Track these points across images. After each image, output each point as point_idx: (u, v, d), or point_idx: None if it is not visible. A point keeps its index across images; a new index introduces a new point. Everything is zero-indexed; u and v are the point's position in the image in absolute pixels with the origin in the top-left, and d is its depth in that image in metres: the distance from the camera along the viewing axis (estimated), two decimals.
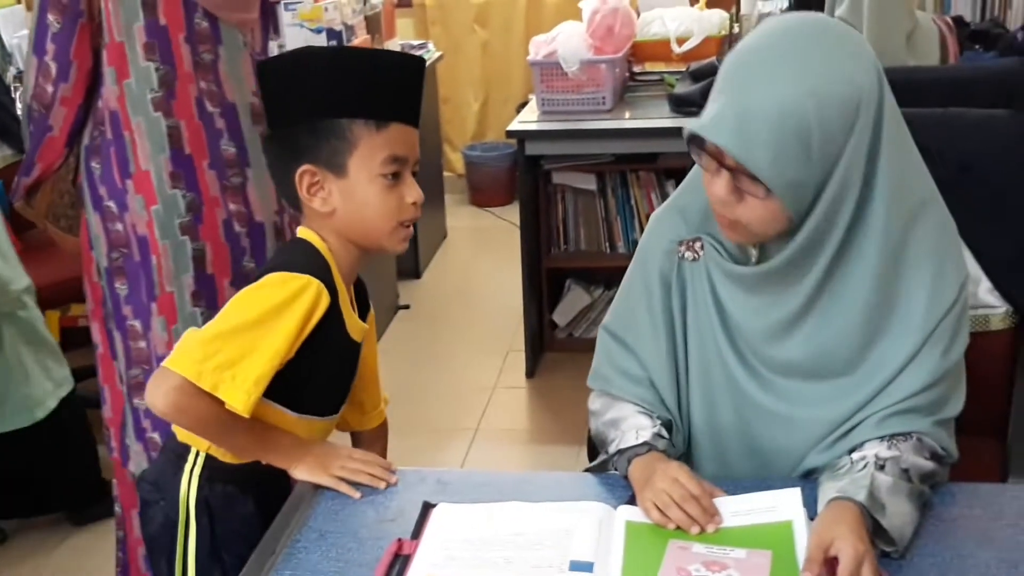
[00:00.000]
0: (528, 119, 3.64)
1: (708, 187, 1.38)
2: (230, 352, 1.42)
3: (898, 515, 1.30)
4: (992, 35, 3.62)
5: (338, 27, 3.94)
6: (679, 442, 1.54)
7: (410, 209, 1.52)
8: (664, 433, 1.50)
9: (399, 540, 1.38)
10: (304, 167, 1.50)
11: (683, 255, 1.52)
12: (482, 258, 5.02)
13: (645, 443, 1.45)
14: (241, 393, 1.41)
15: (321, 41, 3.86)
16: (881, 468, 1.34)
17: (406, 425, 3.24)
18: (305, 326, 1.46)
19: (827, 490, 1.34)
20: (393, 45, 4.65)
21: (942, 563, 1.28)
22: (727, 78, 1.33)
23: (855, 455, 1.39)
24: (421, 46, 4.93)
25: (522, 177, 3.67)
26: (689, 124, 1.34)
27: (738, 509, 1.37)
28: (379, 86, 1.48)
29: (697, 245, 1.50)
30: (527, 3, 5.63)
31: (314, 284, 1.47)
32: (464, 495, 1.50)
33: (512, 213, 4.61)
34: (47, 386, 2.84)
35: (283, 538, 1.41)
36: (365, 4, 4.34)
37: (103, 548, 2.73)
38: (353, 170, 1.49)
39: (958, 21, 3.65)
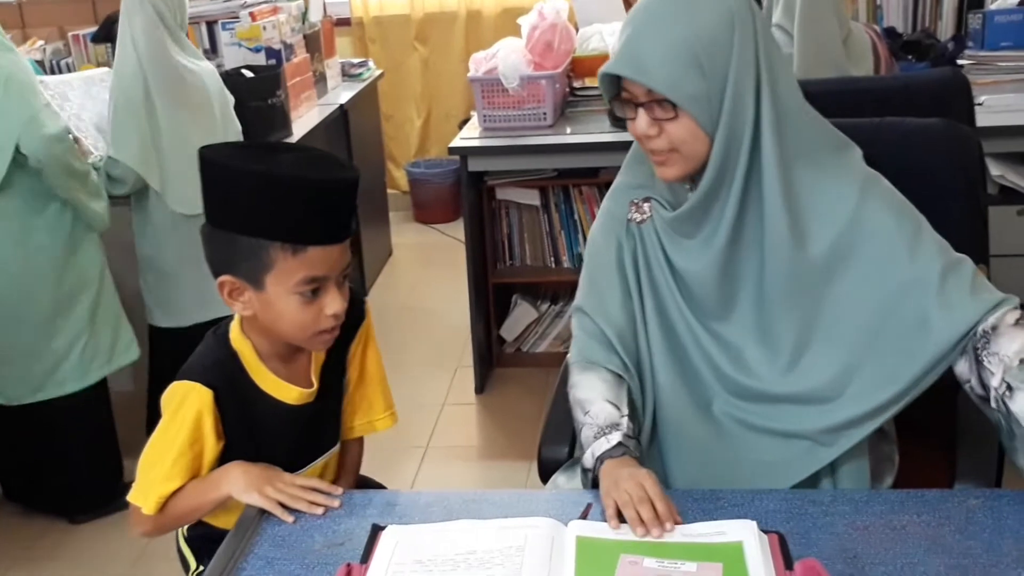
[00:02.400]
0: (470, 135, 3.63)
1: (633, 131, 1.54)
2: (143, 468, 1.58)
3: None
4: (924, 46, 3.68)
5: (276, 46, 3.91)
6: (647, 409, 1.61)
7: (328, 320, 1.53)
8: (632, 429, 1.53)
9: (348, 565, 1.35)
10: (223, 278, 1.52)
11: (632, 217, 1.64)
12: (428, 275, 4.99)
13: (619, 444, 1.49)
14: (144, 496, 1.56)
15: (260, 60, 3.83)
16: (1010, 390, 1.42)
17: None
18: (196, 426, 1.54)
19: None
20: (333, 64, 4.63)
21: (892, 571, 1.29)
22: (623, 30, 1.52)
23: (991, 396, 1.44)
24: (361, 64, 4.91)
25: (466, 193, 3.65)
26: (600, 71, 1.53)
27: (690, 532, 1.37)
28: (299, 211, 1.44)
29: (646, 205, 1.63)
30: (466, 20, 5.63)
31: (190, 391, 1.54)
32: (413, 516, 1.48)
33: (457, 229, 4.60)
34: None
35: (228, 566, 1.39)
36: (304, 23, 4.32)
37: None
38: (270, 286, 1.49)
39: (891, 32, 3.71)
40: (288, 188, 1.45)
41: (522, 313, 3.89)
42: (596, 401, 1.56)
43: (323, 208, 1.46)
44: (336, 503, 1.51)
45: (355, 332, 1.71)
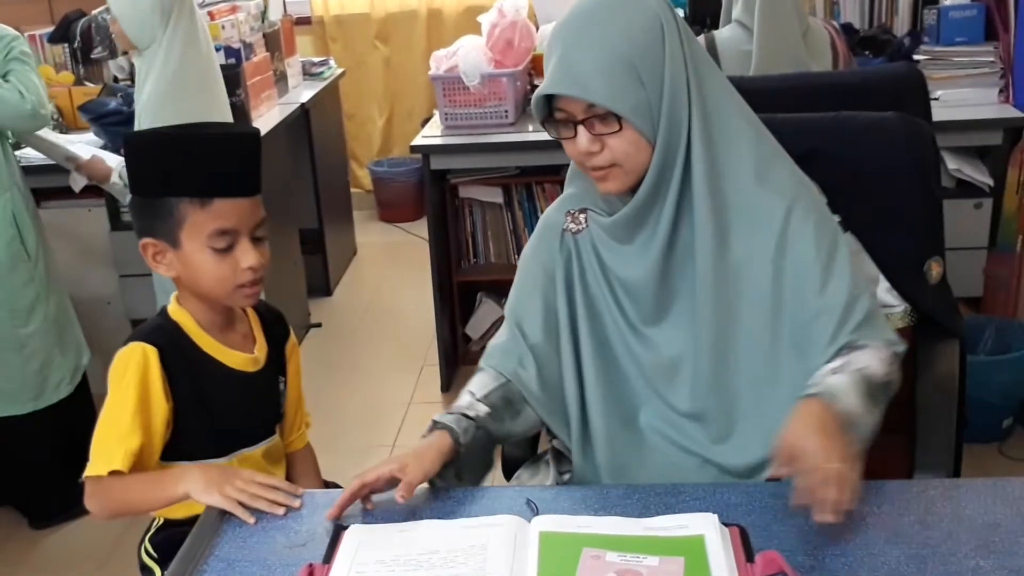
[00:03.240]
0: (432, 134, 3.63)
1: (572, 152, 1.51)
2: (99, 436, 1.59)
3: (852, 407, 1.39)
4: (880, 41, 3.72)
5: (236, 45, 3.88)
6: (573, 416, 1.60)
7: (246, 273, 1.60)
8: (476, 409, 1.55)
9: (310, 565, 1.35)
10: (144, 241, 1.62)
11: (568, 227, 1.62)
12: (393, 274, 4.98)
13: (433, 422, 1.52)
14: (107, 459, 1.56)
15: (219, 59, 3.79)
16: (833, 373, 1.44)
17: (322, 444, 3.17)
18: (143, 383, 1.58)
19: None
20: (293, 63, 4.60)
21: (853, 562, 1.29)
22: (553, 43, 1.49)
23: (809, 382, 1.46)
24: (322, 63, 4.89)
25: (429, 192, 3.65)
26: (534, 94, 1.50)
27: (652, 525, 1.38)
28: (201, 165, 1.56)
29: (582, 216, 1.61)
30: (427, 18, 5.62)
31: (135, 349, 1.60)
32: (375, 514, 1.47)
33: (422, 228, 4.59)
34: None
35: (189, 568, 1.37)
36: (263, 22, 4.29)
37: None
38: (185, 242, 1.59)
39: (847, 28, 3.74)
40: (189, 144, 1.59)
41: (487, 311, 3.89)
42: (461, 395, 1.60)
43: (225, 161, 1.57)
44: (297, 503, 1.50)
45: (285, 339, 1.81)
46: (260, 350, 1.73)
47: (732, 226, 1.52)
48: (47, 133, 3.10)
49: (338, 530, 1.42)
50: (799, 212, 1.52)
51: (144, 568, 1.78)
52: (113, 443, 1.57)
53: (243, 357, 1.69)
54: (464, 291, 3.89)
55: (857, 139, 1.94)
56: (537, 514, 1.42)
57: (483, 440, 1.56)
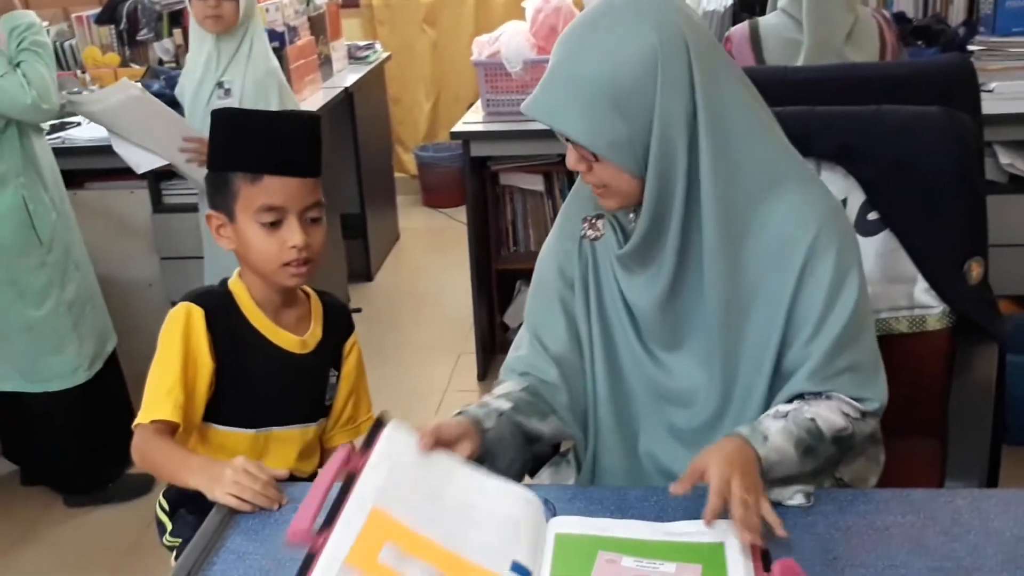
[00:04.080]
0: (473, 120, 3.60)
1: (567, 160, 1.45)
2: (149, 389, 1.65)
3: (776, 451, 1.35)
4: (934, 31, 3.63)
5: (280, 28, 3.88)
6: (557, 405, 1.56)
7: (291, 252, 1.63)
8: (497, 404, 1.51)
9: (351, 447, 1.34)
10: (209, 212, 1.70)
11: (585, 233, 1.56)
12: (435, 260, 4.97)
13: (458, 412, 1.48)
14: (156, 408, 1.61)
15: None
16: (781, 417, 1.40)
17: None
18: (189, 340, 1.65)
19: None
20: (339, 46, 4.60)
21: (874, 573, 1.25)
22: (553, 53, 1.42)
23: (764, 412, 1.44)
24: (368, 46, 4.88)
25: (469, 179, 3.62)
26: (521, 107, 1.44)
27: (671, 531, 1.34)
28: (257, 142, 1.63)
29: (600, 223, 1.55)
30: (475, 2, 5.59)
31: (182, 308, 1.67)
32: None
33: (465, 214, 4.58)
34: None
35: (198, 561, 1.36)
36: (308, 5, 4.29)
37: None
38: (239, 216, 1.65)
39: (900, 17, 3.65)
40: (250, 120, 1.71)
41: (525, 300, 3.86)
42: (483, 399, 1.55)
43: (279, 140, 1.63)
44: (275, 506, 1.48)
45: (346, 336, 1.82)
46: (312, 336, 1.74)
47: (746, 256, 1.44)
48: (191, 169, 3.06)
49: (379, 425, 1.39)
50: (819, 249, 1.43)
51: (159, 523, 1.82)
52: (162, 395, 1.62)
53: (290, 338, 1.72)
54: (503, 279, 3.87)
55: (897, 133, 1.88)
56: (555, 515, 1.39)
57: (510, 429, 1.52)
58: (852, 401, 1.45)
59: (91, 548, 2.93)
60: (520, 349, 1.62)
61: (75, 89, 3.58)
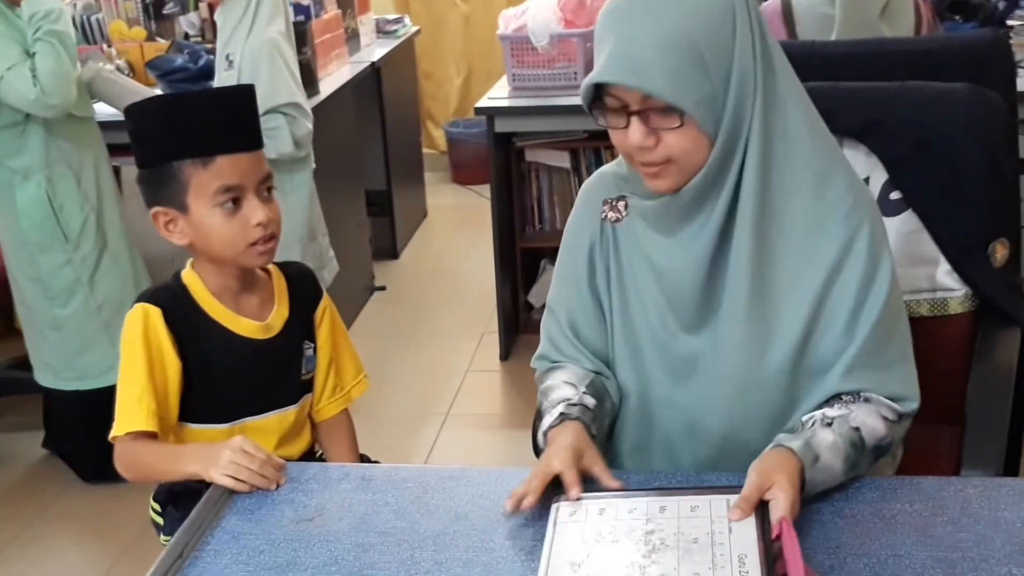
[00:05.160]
0: (498, 95, 3.56)
1: (622, 144, 1.37)
2: (120, 399, 1.61)
3: (824, 471, 1.31)
4: (972, 5, 3.53)
5: (306, 2, 3.86)
6: (614, 395, 1.52)
7: (256, 230, 1.58)
8: (587, 402, 1.46)
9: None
10: (155, 210, 1.62)
11: (606, 216, 1.50)
12: (462, 237, 4.94)
13: (560, 414, 1.43)
14: (129, 420, 1.58)
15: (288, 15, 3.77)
16: (828, 425, 1.34)
17: (375, 409, 3.23)
18: (150, 343, 1.59)
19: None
20: (367, 20, 4.57)
21: (875, 563, 1.21)
22: (607, 26, 1.34)
23: (804, 417, 1.39)
24: (397, 20, 4.85)
25: (493, 155, 3.58)
26: (584, 81, 1.34)
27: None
28: (198, 125, 1.56)
29: (620, 204, 1.49)
30: None
31: (138, 310, 1.61)
32: (388, 491, 1.44)
33: None
34: None
35: (192, 541, 1.35)
36: None
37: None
38: (193, 206, 1.58)
39: None
40: (183, 105, 1.63)
41: (551, 279, 3.81)
42: (557, 387, 1.49)
43: (220, 118, 1.58)
44: (272, 486, 1.47)
45: (316, 304, 1.76)
46: (277, 316, 1.69)
47: (778, 242, 1.39)
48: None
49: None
50: (855, 242, 1.38)
51: (155, 524, 1.80)
52: (133, 405, 1.57)
53: (252, 324, 1.66)
54: (528, 257, 3.83)
55: (922, 111, 1.83)
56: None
57: (601, 431, 1.49)
58: (890, 403, 1.40)
59: (107, 524, 2.93)
60: (554, 339, 1.57)
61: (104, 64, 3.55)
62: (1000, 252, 1.80)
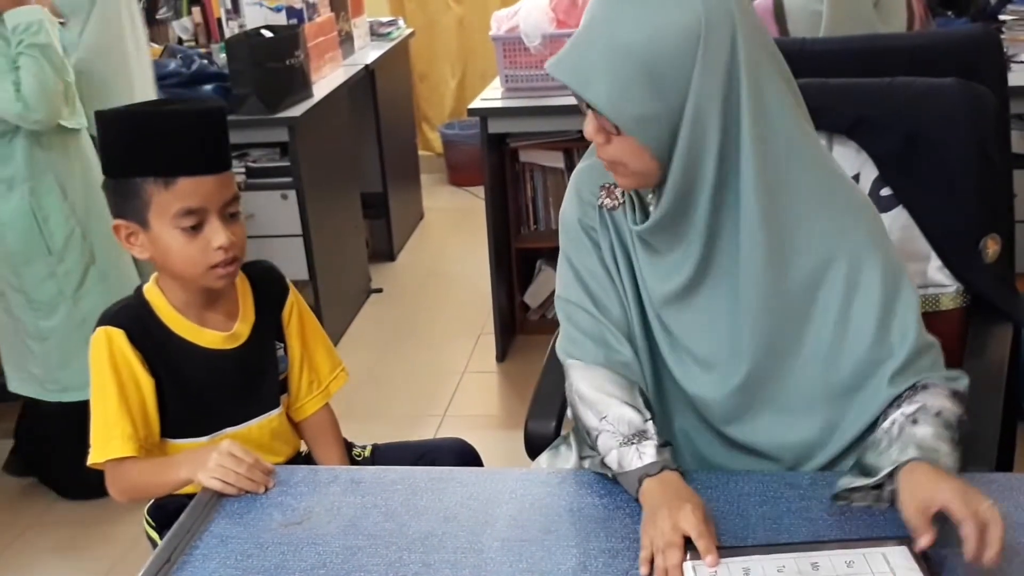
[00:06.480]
0: (491, 96, 3.56)
1: (584, 130, 1.37)
2: (94, 425, 1.60)
3: (945, 461, 1.26)
4: (964, 1, 3.53)
5: (298, 5, 3.85)
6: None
7: (217, 254, 1.55)
8: (660, 434, 1.39)
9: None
10: (116, 222, 1.58)
11: (603, 202, 1.48)
12: (458, 239, 4.93)
13: (661, 466, 1.34)
14: (104, 447, 1.58)
15: (280, 20, 3.78)
16: (915, 423, 1.30)
17: (371, 411, 3.23)
18: (118, 366, 1.57)
19: (883, 463, 1.28)
20: (360, 23, 4.56)
21: None
22: (583, 20, 1.33)
23: (884, 424, 1.34)
24: (391, 23, 4.84)
25: (487, 156, 3.58)
26: (547, 63, 1.35)
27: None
28: (163, 143, 1.51)
29: (617, 191, 1.46)
30: None
31: (101, 333, 1.58)
32: (377, 493, 1.44)
33: None
34: None
35: (180, 545, 1.35)
36: None
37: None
38: (153, 223, 1.55)
39: None
40: (150, 121, 1.56)
41: (546, 279, 3.82)
42: (612, 405, 1.41)
43: (187, 139, 1.52)
44: (261, 489, 1.47)
45: (282, 302, 1.74)
46: (244, 323, 1.67)
47: (792, 254, 1.36)
48: None
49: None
50: (871, 248, 1.38)
51: (149, 539, 1.78)
52: (107, 431, 1.57)
53: (217, 336, 1.64)
54: (524, 258, 3.82)
55: (911, 106, 1.82)
56: None
57: None
58: (947, 383, 1.37)
59: (95, 537, 2.90)
60: (576, 320, 1.50)
61: None
62: (991, 247, 1.79)
